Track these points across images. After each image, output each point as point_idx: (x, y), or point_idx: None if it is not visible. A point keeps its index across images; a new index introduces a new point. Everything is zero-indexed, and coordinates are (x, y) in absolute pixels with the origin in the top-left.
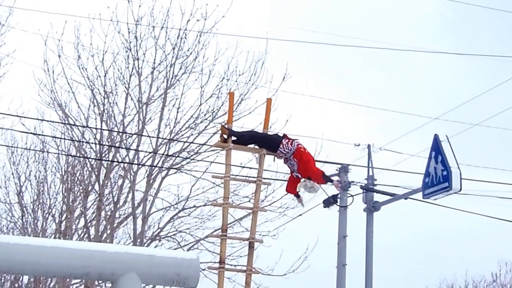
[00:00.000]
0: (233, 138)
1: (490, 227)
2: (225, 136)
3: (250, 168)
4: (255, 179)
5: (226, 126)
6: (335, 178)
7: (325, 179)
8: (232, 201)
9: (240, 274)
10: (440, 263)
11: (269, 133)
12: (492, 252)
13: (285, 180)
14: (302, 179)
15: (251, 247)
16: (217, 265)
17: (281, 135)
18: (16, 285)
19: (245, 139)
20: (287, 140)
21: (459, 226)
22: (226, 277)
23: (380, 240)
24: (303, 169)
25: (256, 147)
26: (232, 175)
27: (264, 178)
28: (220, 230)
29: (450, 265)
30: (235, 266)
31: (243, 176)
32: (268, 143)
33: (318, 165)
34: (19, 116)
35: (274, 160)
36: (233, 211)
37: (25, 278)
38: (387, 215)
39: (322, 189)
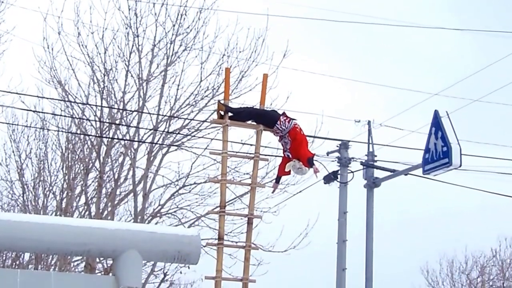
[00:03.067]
0: (230, 114)
1: (490, 203)
2: (222, 113)
3: (251, 145)
4: (252, 155)
5: (223, 102)
6: (320, 167)
7: (309, 163)
8: (233, 177)
9: (241, 250)
10: (440, 238)
11: (267, 109)
12: (492, 227)
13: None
14: (293, 160)
15: (249, 223)
16: (216, 241)
17: (281, 112)
18: (17, 263)
19: (242, 115)
20: (285, 118)
21: (459, 202)
22: (227, 253)
23: (381, 217)
24: (295, 149)
25: (254, 123)
26: (231, 151)
27: (265, 155)
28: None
29: (450, 241)
30: (236, 242)
31: (241, 152)
32: (265, 119)
33: (319, 141)
34: (19, 94)
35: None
36: (234, 188)
37: (26, 255)
38: (387, 192)
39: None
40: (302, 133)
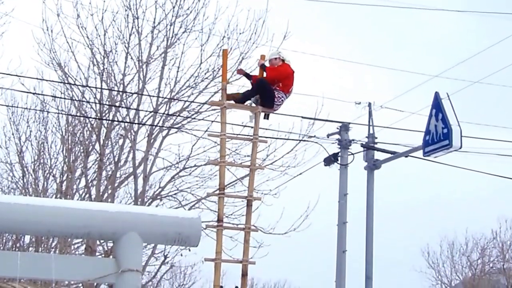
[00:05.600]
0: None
1: (490, 185)
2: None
3: (251, 127)
4: (252, 137)
5: (223, 84)
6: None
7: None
8: (233, 160)
9: (242, 233)
10: (441, 220)
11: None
12: (492, 209)
13: (285, 139)
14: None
15: (249, 205)
16: (216, 223)
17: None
18: (18, 245)
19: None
20: (277, 91)
21: (459, 184)
22: (228, 236)
23: (381, 200)
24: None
25: (253, 104)
26: (230, 133)
27: (264, 137)
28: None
29: (450, 223)
30: (236, 225)
31: (241, 134)
32: (266, 100)
33: (319, 123)
34: (19, 76)
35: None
36: (234, 170)
37: (26, 238)
38: (388, 175)
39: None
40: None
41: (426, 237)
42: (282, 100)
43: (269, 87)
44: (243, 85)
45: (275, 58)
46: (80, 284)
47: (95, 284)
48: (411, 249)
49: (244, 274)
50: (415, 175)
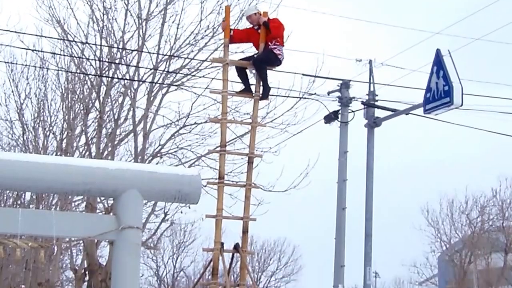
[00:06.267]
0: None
1: (491, 143)
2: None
3: (252, 84)
4: (252, 94)
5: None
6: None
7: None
8: (234, 118)
9: (242, 191)
10: (441, 179)
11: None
12: (492, 167)
13: (285, 96)
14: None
15: (250, 162)
16: (217, 181)
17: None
18: (18, 202)
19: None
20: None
21: (459, 142)
22: (228, 193)
23: (382, 159)
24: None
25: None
26: (230, 91)
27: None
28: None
29: (450, 181)
30: (236, 182)
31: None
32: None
33: (320, 81)
34: (18, 32)
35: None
36: (234, 128)
37: (27, 195)
38: (388, 135)
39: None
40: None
41: (425, 195)
42: (283, 52)
43: (266, 59)
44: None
45: (255, 14)
46: (81, 241)
47: (95, 241)
48: (410, 207)
49: (245, 231)
50: (416, 135)
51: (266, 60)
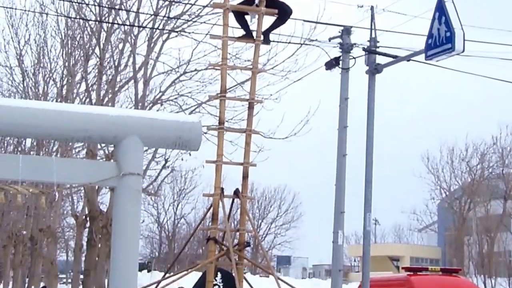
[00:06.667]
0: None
1: (492, 90)
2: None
3: (253, 30)
4: (253, 39)
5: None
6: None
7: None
8: (234, 64)
9: (242, 138)
10: (441, 126)
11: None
12: (493, 114)
13: (286, 43)
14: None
15: (250, 107)
16: (217, 126)
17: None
18: (19, 149)
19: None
20: None
21: (460, 89)
22: (228, 140)
23: (383, 108)
24: None
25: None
26: (231, 36)
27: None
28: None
29: (450, 128)
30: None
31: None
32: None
33: (321, 27)
34: None
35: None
36: (235, 75)
37: (27, 142)
38: (389, 82)
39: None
40: None
41: (426, 142)
42: None
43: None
44: None
45: None
46: (82, 188)
47: (96, 187)
48: (411, 154)
49: (245, 176)
50: (417, 82)
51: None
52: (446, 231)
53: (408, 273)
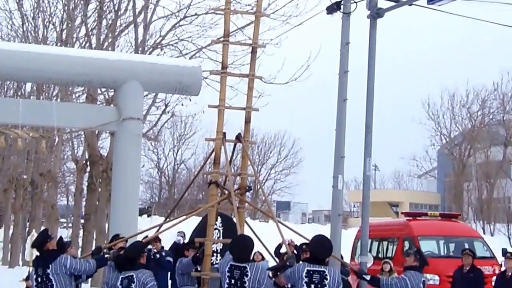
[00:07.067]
0: None
1: (494, 35)
2: None
3: None
4: None
5: None
6: None
7: None
8: (235, 8)
9: (243, 83)
10: (442, 73)
11: None
12: (494, 60)
13: None
14: None
15: (253, 52)
16: (219, 71)
17: None
18: (19, 94)
19: None
20: None
21: (462, 35)
22: (229, 85)
23: (384, 54)
24: None
25: None
26: None
27: None
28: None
29: (451, 74)
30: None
31: None
32: None
33: None
34: None
35: None
36: (235, 20)
37: (27, 86)
38: (391, 27)
39: None
40: None
41: (427, 89)
42: None
43: None
44: None
45: None
46: (82, 132)
47: (96, 132)
48: (411, 101)
49: (247, 121)
50: (418, 27)
51: None
52: (445, 177)
53: (408, 218)
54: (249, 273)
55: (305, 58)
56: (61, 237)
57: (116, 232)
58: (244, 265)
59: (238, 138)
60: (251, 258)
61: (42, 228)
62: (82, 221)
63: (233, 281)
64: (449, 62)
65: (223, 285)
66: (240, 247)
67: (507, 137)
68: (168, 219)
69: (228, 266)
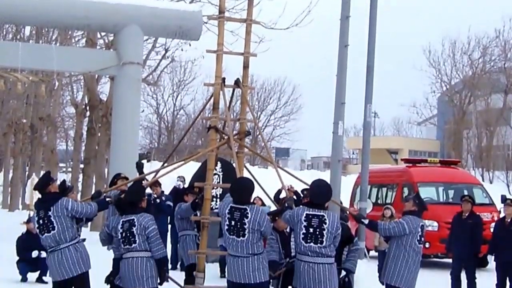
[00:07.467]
0: None
1: None
2: None
3: None
4: None
5: None
6: None
7: None
8: None
9: (243, 28)
10: (443, 19)
11: None
12: (496, 7)
13: None
14: None
15: None
16: (217, 15)
17: None
18: (18, 37)
19: None
20: None
21: None
22: (229, 30)
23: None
24: None
25: None
26: None
27: None
28: None
29: (453, 21)
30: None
31: None
32: None
33: None
34: None
35: None
36: None
37: (26, 30)
38: None
39: None
40: None
41: (428, 35)
42: None
43: None
44: None
45: None
46: (81, 77)
47: (96, 76)
48: (412, 47)
49: (246, 66)
50: None
51: None
52: (445, 124)
53: (407, 164)
54: (249, 215)
55: (307, 3)
56: (64, 180)
57: None
58: (244, 207)
59: (237, 83)
60: (251, 201)
61: (42, 172)
62: (82, 165)
63: (233, 223)
64: (450, 8)
65: (223, 227)
66: (241, 189)
67: (508, 85)
68: (166, 164)
69: (228, 208)
